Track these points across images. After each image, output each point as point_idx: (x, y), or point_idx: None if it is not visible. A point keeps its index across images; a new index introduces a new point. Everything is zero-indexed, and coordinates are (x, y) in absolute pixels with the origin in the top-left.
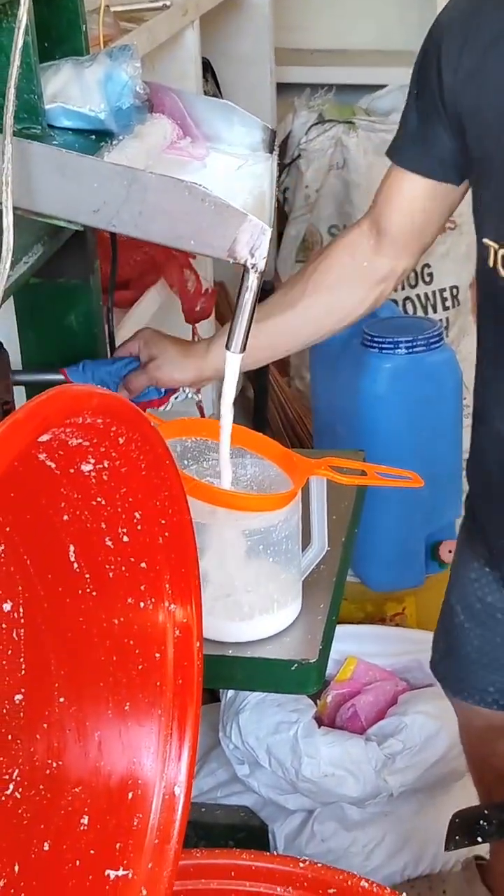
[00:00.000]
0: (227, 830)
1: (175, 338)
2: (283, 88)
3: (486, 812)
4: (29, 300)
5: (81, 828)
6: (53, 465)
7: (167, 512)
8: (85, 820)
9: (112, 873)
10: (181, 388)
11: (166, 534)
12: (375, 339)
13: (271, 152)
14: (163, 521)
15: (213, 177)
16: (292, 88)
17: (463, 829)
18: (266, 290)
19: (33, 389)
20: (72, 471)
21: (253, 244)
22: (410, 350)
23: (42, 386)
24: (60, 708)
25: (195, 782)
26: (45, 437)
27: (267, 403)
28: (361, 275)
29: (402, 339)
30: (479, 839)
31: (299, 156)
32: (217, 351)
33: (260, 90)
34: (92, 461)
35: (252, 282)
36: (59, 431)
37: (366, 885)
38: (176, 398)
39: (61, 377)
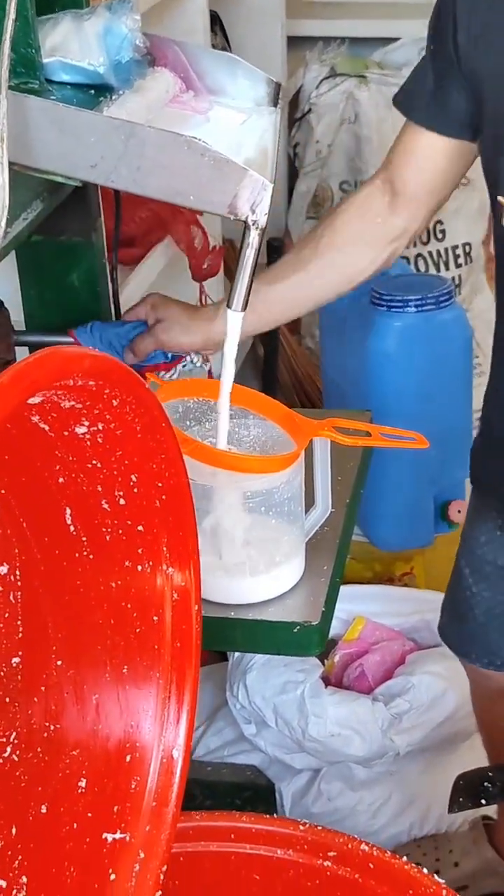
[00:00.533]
0: (234, 789)
1: (183, 302)
2: (294, 42)
3: (490, 774)
4: (31, 258)
5: (79, 791)
6: (47, 428)
7: (164, 475)
8: (83, 783)
9: (109, 836)
10: (188, 357)
11: (163, 497)
12: (384, 298)
13: (276, 106)
14: (160, 484)
15: (215, 131)
16: (304, 42)
17: (467, 790)
18: (275, 247)
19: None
20: (66, 433)
21: (254, 200)
22: (420, 308)
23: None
24: (58, 671)
25: (202, 741)
26: (36, 400)
27: (277, 362)
28: (374, 234)
29: (411, 298)
30: (483, 801)
31: (310, 110)
32: (224, 315)
33: (270, 44)
34: (86, 423)
35: (253, 239)
36: (51, 394)
37: (366, 848)
38: (183, 366)
39: (69, 339)
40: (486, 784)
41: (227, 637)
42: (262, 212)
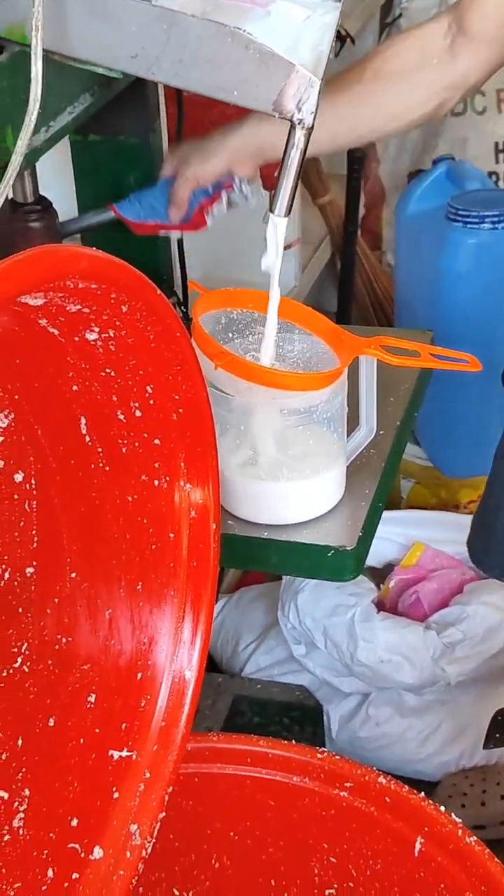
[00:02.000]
0: (282, 708)
1: (205, 135)
2: None
3: None
4: (87, 158)
5: (88, 706)
6: (57, 332)
7: (181, 387)
8: (92, 698)
9: (116, 753)
10: (234, 186)
11: (180, 410)
12: (460, 213)
13: (340, 0)
14: (176, 397)
15: (274, 27)
16: None
17: None
18: (358, 158)
19: (90, 236)
20: (76, 339)
21: (300, 97)
22: (496, 225)
23: (95, 231)
24: (72, 583)
25: (253, 658)
26: (38, 301)
27: (354, 277)
28: (427, 73)
29: (488, 214)
30: None
31: (401, 15)
32: (255, 122)
33: None
34: (96, 329)
35: (298, 139)
36: (53, 296)
37: (383, 781)
38: (229, 198)
39: (111, 214)
40: None
41: (259, 557)
42: (308, 110)
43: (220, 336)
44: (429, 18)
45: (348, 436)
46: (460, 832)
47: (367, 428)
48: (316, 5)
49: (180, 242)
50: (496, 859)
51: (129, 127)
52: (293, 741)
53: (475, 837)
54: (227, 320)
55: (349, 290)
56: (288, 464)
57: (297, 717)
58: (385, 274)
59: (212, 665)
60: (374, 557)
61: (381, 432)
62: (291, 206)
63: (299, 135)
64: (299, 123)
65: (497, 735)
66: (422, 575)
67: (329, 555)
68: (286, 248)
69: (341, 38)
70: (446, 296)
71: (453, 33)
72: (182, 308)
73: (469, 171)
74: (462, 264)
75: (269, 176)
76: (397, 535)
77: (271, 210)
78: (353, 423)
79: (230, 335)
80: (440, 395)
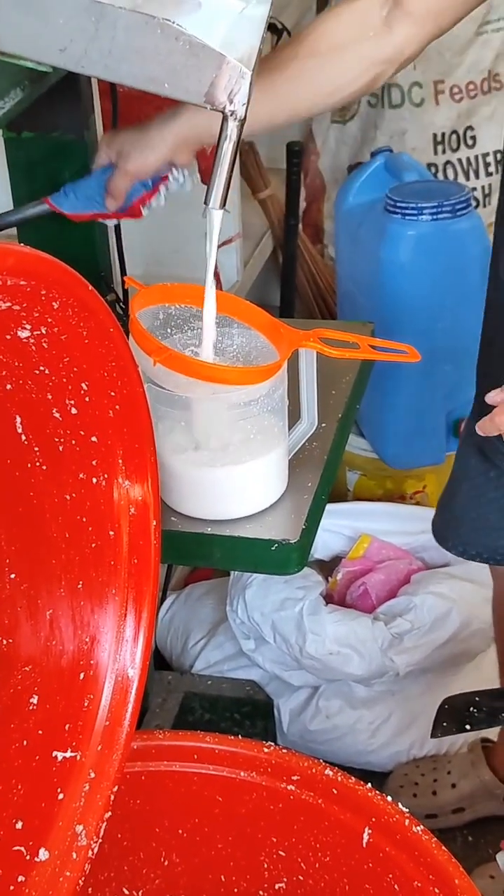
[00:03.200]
0: (233, 704)
1: (138, 126)
2: None
3: (476, 699)
4: (21, 155)
5: (30, 707)
6: None
7: (116, 383)
8: (34, 699)
9: (60, 755)
10: (170, 177)
11: (117, 406)
12: (399, 205)
13: None
14: (112, 394)
15: (207, 18)
16: None
17: (452, 715)
18: (296, 151)
19: (26, 233)
20: (8, 337)
21: (232, 89)
22: (435, 216)
23: (32, 226)
24: (11, 585)
25: (202, 654)
26: None
27: (296, 271)
28: (363, 47)
29: (426, 205)
30: (468, 727)
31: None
32: (192, 110)
33: None
34: (28, 327)
35: (231, 130)
36: None
37: (330, 773)
38: (168, 189)
39: (45, 206)
40: (471, 709)
41: (202, 552)
42: (240, 101)
43: (158, 332)
44: None
45: (290, 429)
46: (407, 822)
47: (308, 421)
48: None
49: (118, 239)
50: (443, 848)
51: (63, 123)
52: (244, 737)
53: (422, 827)
54: (166, 316)
55: (292, 284)
56: (229, 458)
57: (248, 712)
58: (327, 267)
59: (161, 662)
60: (322, 550)
61: (324, 425)
62: (226, 197)
63: (232, 126)
64: (231, 115)
65: (444, 724)
66: (369, 566)
67: (273, 548)
68: (227, 242)
69: (277, 30)
70: (387, 287)
71: (389, 6)
72: (121, 305)
73: (407, 162)
74: (401, 256)
75: (208, 170)
76: (344, 527)
77: (206, 202)
78: (294, 416)
79: (169, 331)
80: (383, 387)
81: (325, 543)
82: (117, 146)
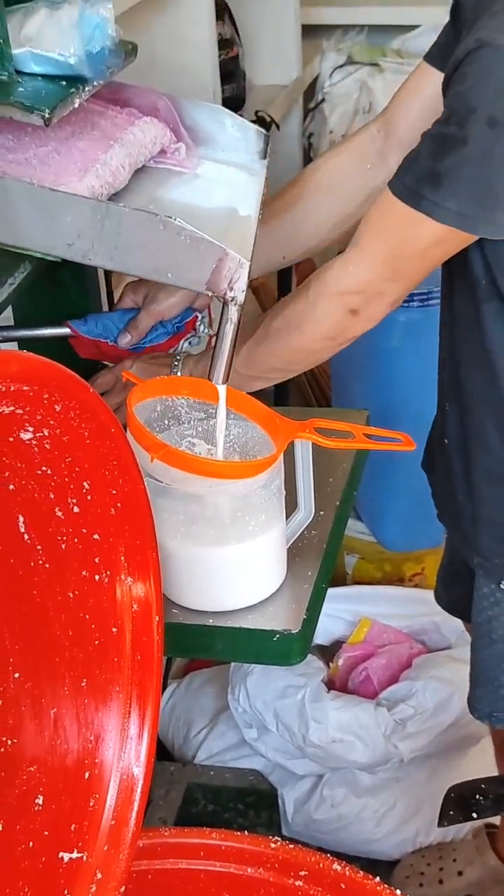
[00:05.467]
0: (237, 794)
1: None
2: (312, 30)
3: (483, 786)
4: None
5: (36, 808)
6: None
7: (118, 481)
8: (40, 800)
9: (66, 856)
10: (193, 330)
11: (118, 504)
12: None
13: (265, 158)
14: (114, 491)
15: (203, 189)
16: (322, 29)
17: (458, 803)
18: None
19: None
20: (11, 439)
21: (231, 277)
22: (424, 303)
23: (43, 342)
24: (15, 684)
25: (204, 745)
26: None
27: None
28: (362, 178)
29: (417, 292)
30: (475, 815)
31: (324, 100)
32: None
33: (284, 32)
34: (30, 429)
35: (232, 314)
36: None
37: (338, 867)
38: (188, 343)
39: (66, 330)
40: (477, 796)
41: (205, 645)
42: (239, 288)
43: (156, 424)
44: (358, 129)
45: (287, 519)
46: None
47: (306, 510)
48: (242, 165)
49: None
50: None
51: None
52: (248, 827)
53: None
54: (163, 407)
55: None
56: (228, 548)
57: (252, 802)
58: None
59: (164, 753)
60: (322, 635)
61: (322, 513)
62: (228, 374)
63: (232, 310)
64: (232, 300)
65: (451, 812)
66: (370, 651)
67: (274, 639)
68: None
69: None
70: (380, 373)
71: (382, 136)
72: None
73: None
74: (394, 342)
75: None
76: (344, 611)
77: (209, 377)
78: (291, 506)
79: (166, 422)
80: (379, 471)
81: (326, 628)
82: (143, 291)
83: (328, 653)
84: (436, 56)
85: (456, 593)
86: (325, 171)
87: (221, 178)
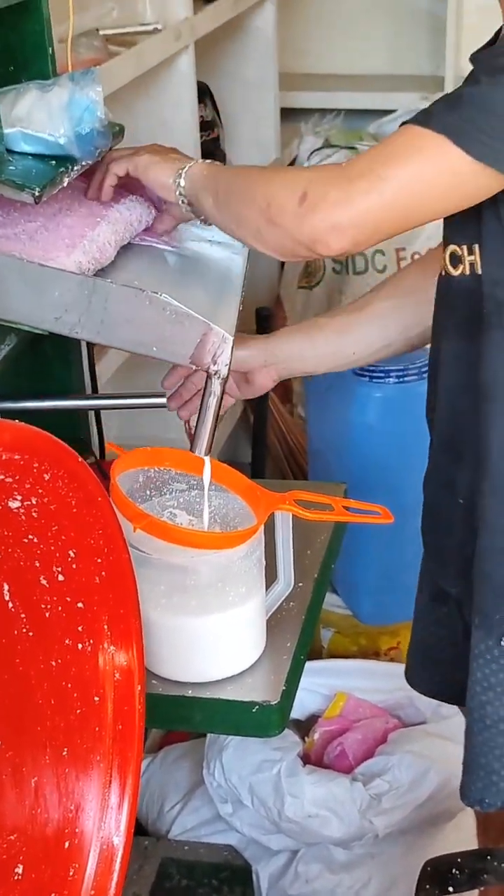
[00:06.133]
0: (211, 870)
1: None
2: (291, 113)
3: (458, 860)
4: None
5: (15, 877)
6: None
7: (103, 550)
8: (19, 869)
9: None
10: None
11: (103, 573)
12: (366, 368)
13: None
14: (99, 560)
15: (187, 266)
16: (301, 113)
17: (434, 878)
18: (265, 316)
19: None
20: None
21: (215, 352)
22: (401, 379)
23: (29, 412)
24: None
25: (178, 820)
26: None
27: (266, 431)
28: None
29: (393, 369)
30: (451, 889)
31: None
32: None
33: (263, 115)
34: (19, 498)
35: (215, 387)
36: None
37: None
38: None
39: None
40: (454, 871)
41: (183, 716)
42: (223, 362)
43: (138, 494)
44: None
45: (267, 590)
46: None
47: (285, 582)
48: (225, 243)
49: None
50: None
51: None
52: None
53: None
54: (145, 478)
55: (263, 443)
56: (208, 618)
57: (227, 877)
58: (297, 426)
59: (138, 828)
60: (298, 709)
61: (300, 585)
62: (210, 446)
63: (216, 384)
64: (215, 374)
65: (427, 887)
66: (346, 725)
67: (253, 710)
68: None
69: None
70: (357, 447)
71: None
72: (100, 466)
73: None
74: (370, 417)
75: None
76: (320, 685)
77: (192, 450)
78: (271, 576)
79: (148, 493)
80: (355, 544)
81: (301, 702)
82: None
83: (304, 727)
84: None
85: (439, 676)
86: (400, 276)
87: (205, 254)
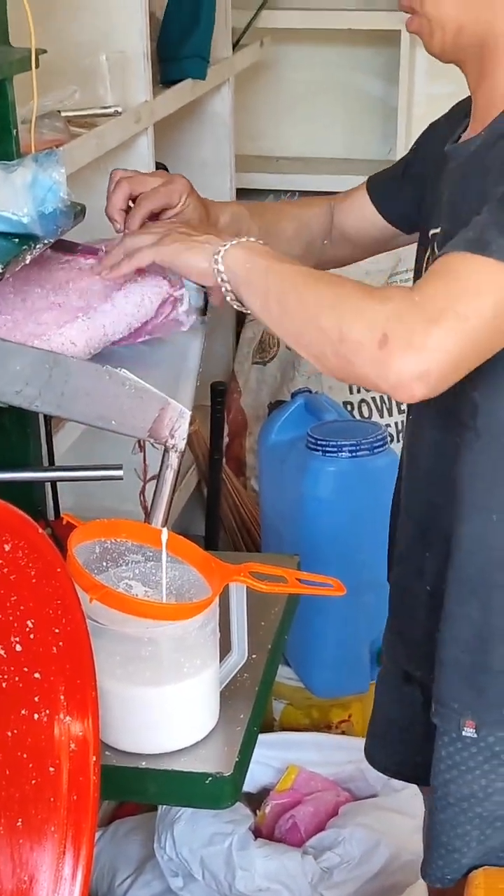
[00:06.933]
0: None
1: None
2: (247, 194)
3: None
4: None
5: None
6: None
7: (61, 621)
8: None
9: None
10: None
11: (60, 643)
12: (319, 443)
13: (205, 314)
14: (56, 631)
15: (147, 343)
16: (256, 194)
17: None
18: (220, 391)
19: None
20: None
21: (173, 426)
22: (354, 454)
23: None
24: None
25: (130, 893)
26: None
27: (220, 503)
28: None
29: (345, 443)
30: None
31: None
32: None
33: (220, 196)
34: None
35: (172, 461)
36: None
37: None
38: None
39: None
40: None
41: (136, 787)
42: (180, 436)
43: (94, 566)
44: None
45: (221, 661)
46: None
47: (239, 653)
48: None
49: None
50: None
51: None
52: None
53: None
54: (102, 549)
55: (216, 516)
56: (163, 688)
57: None
58: (250, 498)
59: None
60: (250, 782)
61: (254, 656)
62: (167, 518)
63: (173, 457)
64: (173, 448)
65: None
66: (297, 798)
67: (207, 782)
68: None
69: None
70: (310, 520)
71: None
72: (55, 538)
73: (325, 403)
74: (323, 491)
75: None
76: (271, 758)
77: (149, 521)
78: (225, 648)
79: (104, 564)
80: (308, 617)
81: (253, 775)
82: None
83: (255, 800)
84: (377, 193)
85: (399, 755)
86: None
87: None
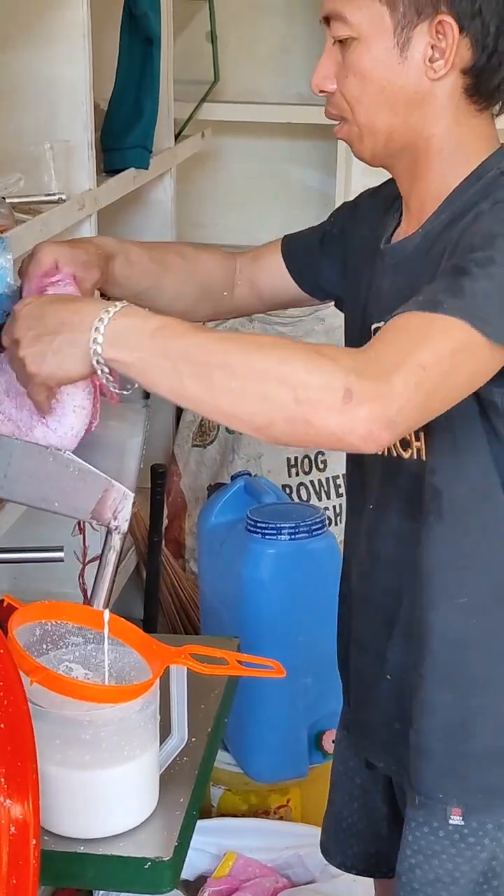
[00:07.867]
0: None
1: None
2: None
3: None
4: None
5: None
6: None
7: (2, 703)
8: None
9: None
10: None
11: (2, 725)
12: (259, 525)
13: (148, 398)
14: None
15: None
16: None
17: None
18: (160, 472)
19: None
20: None
21: (116, 507)
22: (293, 536)
23: None
24: None
25: None
26: None
27: (159, 585)
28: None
29: (285, 525)
30: None
31: None
32: None
33: None
34: None
35: (115, 542)
36: None
37: None
38: None
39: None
40: None
41: (74, 872)
42: (123, 518)
43: (35, 648)
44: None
45: (161, 744)
46: None
47: (179, 736)
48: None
49: None
50: None
51: None
52: None
53: None
54: (42, 632)
55: (155, 598)
56: (101, 772)
57: None
58: (189, 581)
59: None
60: (188, 869)
61: (194, 739)
62: (109, 599)
63: (116, 539)
64: (116, 529)
65: None
66: (235, 885)
67: (146, 867)
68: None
69: None
70: (249, 603)
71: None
72: None
73: (265, 486)
74: (262, 573)
75: None
76: (209, 844)
77: (90, 603)
78: (165, 731)
79: (45, 646)
80: (246, 700)
81: (191, 862)
82: None
83: (193, 887)
84: (294, 265)
85: (356, 848)
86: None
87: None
